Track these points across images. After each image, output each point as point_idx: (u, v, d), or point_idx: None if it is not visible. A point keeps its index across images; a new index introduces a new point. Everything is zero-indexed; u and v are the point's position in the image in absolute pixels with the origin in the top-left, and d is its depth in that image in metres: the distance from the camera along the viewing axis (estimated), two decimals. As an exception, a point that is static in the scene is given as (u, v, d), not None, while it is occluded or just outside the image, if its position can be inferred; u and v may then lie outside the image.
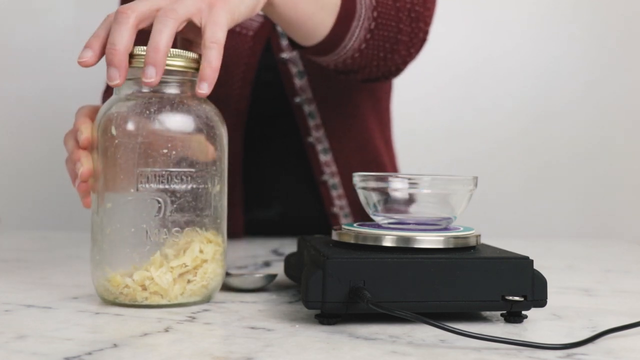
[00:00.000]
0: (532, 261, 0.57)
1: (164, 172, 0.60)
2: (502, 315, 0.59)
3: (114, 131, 0.60)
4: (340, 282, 0.54)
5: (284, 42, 1.09)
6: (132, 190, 0.59)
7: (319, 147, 1.12)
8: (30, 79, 1.74)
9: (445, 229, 0.62)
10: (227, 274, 0.72)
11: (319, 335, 0.52)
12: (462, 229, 0.62)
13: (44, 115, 1.75)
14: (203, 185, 0.61)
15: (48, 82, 1.73)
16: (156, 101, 0.60)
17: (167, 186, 0.60)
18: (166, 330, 0.53)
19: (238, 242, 1.11)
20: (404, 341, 0.51)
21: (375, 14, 0.88)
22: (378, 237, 0.58)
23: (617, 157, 1.83)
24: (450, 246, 0.58)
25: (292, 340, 0.51)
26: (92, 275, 0.63)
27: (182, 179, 0.60)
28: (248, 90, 1.10)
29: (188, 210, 0.61)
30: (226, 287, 0.70)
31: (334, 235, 0.62)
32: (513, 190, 1.84)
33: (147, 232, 0.59)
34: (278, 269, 0.82)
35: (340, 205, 1.15)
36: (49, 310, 0.60)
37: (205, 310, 0.60)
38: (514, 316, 0.58)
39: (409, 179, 0.61)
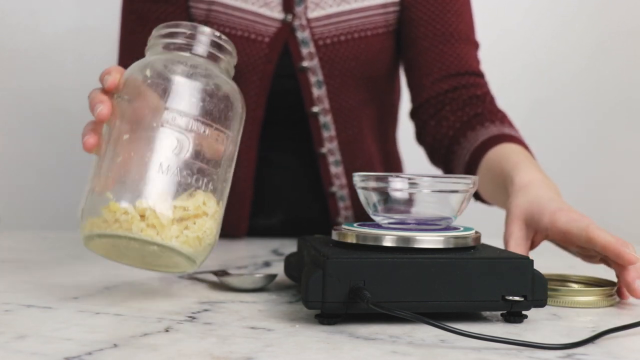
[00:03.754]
0: (532, 261, 0.57)
1: (190, 117, 0.61)
2: (502, 315, 0.59)
3: (148, 73, 0.62)
4: (340, 282, 0.54)
5: (305, 51, 1.07)
6: (154, 125, 0.60)
7: (331, 159, 1.12)
8: (30, 79, 1.74)
9: (445, 229, 0.62)
10: (227, 274, 0.72)
11: (319, 335, 0.53)
12: (462, 229, 0.62)
13: (44, 115, 1.75)
14: (221, 144, 0.63)
15: (48, 82, 1.73)
16: (192, 58, 0.64)
17: (189, 131, 0.61)
18: (166, 330, 0.53)
19: (238, 242, 1.11)
20: (404, 341, 0.51)
21: None
22: (378, 237, 0.58)
23: (617, 157, 1.83)
24: (450, 246, 0.58)
25: (292, 340, 0.51)
26: (83, 210, 0.61)
27: (204, 130, 0.61)
28: (264, 98, 1.09)
29: (202, 160, 0.61)
30: (226, 287, 0.70)
31: (334, 235, 0.62)
32: (513, 190, 1.83)
33: (160, 165, 0.59)
34: (278, 269, 0.82)
35: (345, 215, 1.15)
36: (49, 310, 0.60)
37: (205, 310, 0.60)
38: (514, 316, 0.58)
39: (409, 179, 0.61)
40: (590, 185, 1.84)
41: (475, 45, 1.13)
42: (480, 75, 1.11)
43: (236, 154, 0.66)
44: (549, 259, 0.99)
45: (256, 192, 1.15)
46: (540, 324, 0.58)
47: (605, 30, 1.82)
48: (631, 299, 0.69)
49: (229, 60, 0.67)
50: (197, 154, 0.61)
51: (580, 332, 0.55)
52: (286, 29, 1.07)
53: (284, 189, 1.18)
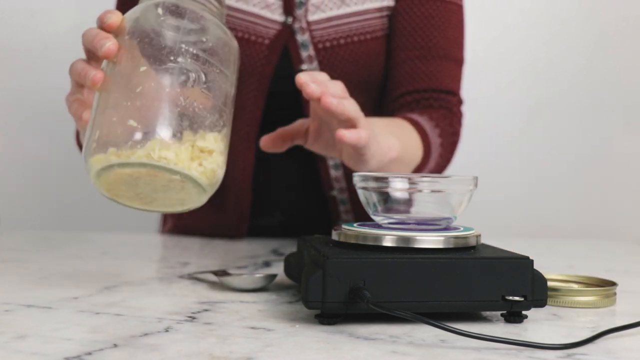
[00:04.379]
0: (532, 261, 0.57)
1: (201, 55, 0.64)
2: (502, 315, 0.59)
3: (160, 10, 0.64)
4: (340, 282, 0.54)
5: (305, 54, 1.07)
6: (172, 58, 0.62)
7: (331, 162, 1.11)
8: (30, 79, 1.74)
9: (445, 229, 0.62)
10: (227, 274, 0.72)
11: (319, 335, 0.53)
12: (462, 229, 0.62)
13: (44, 115, 1.75)
14: (225, 86, 0.66)
15: (48, 82, 1.73)
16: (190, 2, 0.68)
17: (201, 66, 0.63)
18: (166, 330, 0.53)
19: (238, 242, 1.11)
20: (404, 341, 0.51)
21: (434, 166, 1.07)
22: (378, 237, 0.58)
23: (617, 157, 1.83)
24: (450, 246, 0.58)
25: (292, 340, 0.51)
26: (100, 141, 0.61)
27: (213, 68, 0.65)
28: (262, 100, 1.08)
29: (214, 97, 0.64)
30: (226, 287, 0.70)
31: (334, 235, 0.62)
32: (513, 190, 1.84)
33: (182, 98, 0.61)
34: (278, 269, 0.82)
35: (346, 219, 1.15)
36: (49, 310, 0.60)
37: (205, 310, 0.61)
38: (514, 316, 0.58)
39: (409, 179, 0.61)
40: (589, 185, 1.84)
41: (455, 62, 1.11)
42: (450, 92, 1.10)
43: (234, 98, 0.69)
44: (549, 259, 0.99)
45: (255, 194, 1.15)
46: (540, 324, 0.58)
47: (604, 29, 1.82)
48: (631, 299, 0.69)
49: (221, 10, 0.71)
50: (210, 89, 0.64)
51: (580, 332, 0.55)
52: (286, 32, 1.06)
53: (283, 191, 1.18)
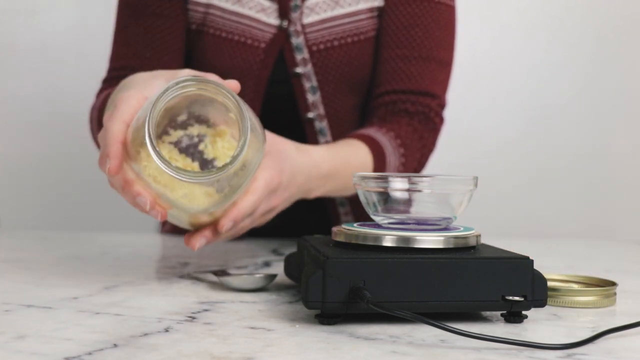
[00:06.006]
0: (532, 261, 0.57)
1: None
2: (502, 315, 0.59)
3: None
4: (340, 282, 0.54)
5: (299, 56, 1.06)
6: None
7: None
8: (30, 79, 1.74)
9: (445, 229, 0.62)
10: (227, 274, 0.72)
11: (319, 335, 0.53)
12: (462, 229, 0.62)
13: (44, 115, 1.75)
14: None
15: (48, 82, 1.73)
16: None
17: None
18: (166, 330, 0.53)
19: (238, 242, 1.11)
20: (404, 341, 0.51)
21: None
22: (378, 237, 0.58)
23: (617, 157, 1.83)
24: (450, 246, 0.58)
25: (292, 340, 0.51)
26: None
27: None
28: (259, 104, 1.07)
29: None
30: (226, 287, 0.70)
31: (334, 235, 0.62)
32: (513, 190, 1.84)
33: None
34: (278, 269, 0.82)
35: (346, 220, 1.15)
36: (49, 310, 0.60)
37: (205, 310, 0.61)
38: (514, 316, 0.58)
39: (409, 179, 0.61)
40: (589, 185, 1.84)
41: (439, 63, 1.09)
42: (430, 95, 1.08)
43: None
44: (549, 259, 0.99)
45: None
46: (540, 324, 0.58)
47: (603, 28, 1.82)
48: (631, 299, 0.69)
49: None
50: None
51: (580, 332, 0.55)
52: (282, 35, 1.06)
53: None
